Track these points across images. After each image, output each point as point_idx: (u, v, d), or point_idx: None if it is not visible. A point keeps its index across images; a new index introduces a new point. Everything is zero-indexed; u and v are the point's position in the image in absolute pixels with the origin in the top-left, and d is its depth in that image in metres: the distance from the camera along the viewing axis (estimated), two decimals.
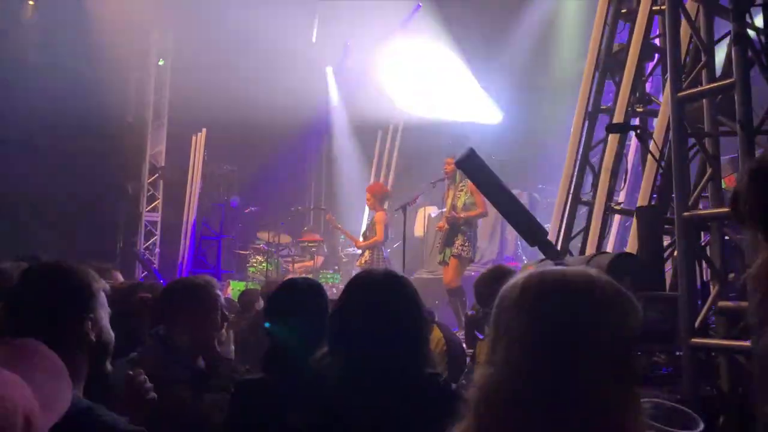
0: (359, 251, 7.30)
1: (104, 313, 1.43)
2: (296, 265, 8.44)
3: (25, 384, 0.78)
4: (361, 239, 7.34)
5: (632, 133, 4.24)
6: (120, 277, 4.05)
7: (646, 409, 0.91)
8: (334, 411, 1.50)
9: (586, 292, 0.91)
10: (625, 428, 0.87)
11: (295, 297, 1.99)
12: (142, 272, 9.54)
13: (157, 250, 10.14)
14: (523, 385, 0.87)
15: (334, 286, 7.99)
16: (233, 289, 7.96)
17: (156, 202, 10.27)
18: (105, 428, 1.29)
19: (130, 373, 1.56)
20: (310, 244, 8.72)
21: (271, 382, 1.78)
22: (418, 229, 9.03)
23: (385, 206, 7.27)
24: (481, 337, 3.98)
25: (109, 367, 1.45)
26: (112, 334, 1.45)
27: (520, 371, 0.88)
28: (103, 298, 1.44)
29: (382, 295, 1.61)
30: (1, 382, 0.76)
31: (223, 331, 2.35)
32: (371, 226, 7.16)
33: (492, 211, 6.31)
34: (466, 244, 6.15)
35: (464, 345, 3.89)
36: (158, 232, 10.17)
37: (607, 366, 0.87)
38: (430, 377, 1.59)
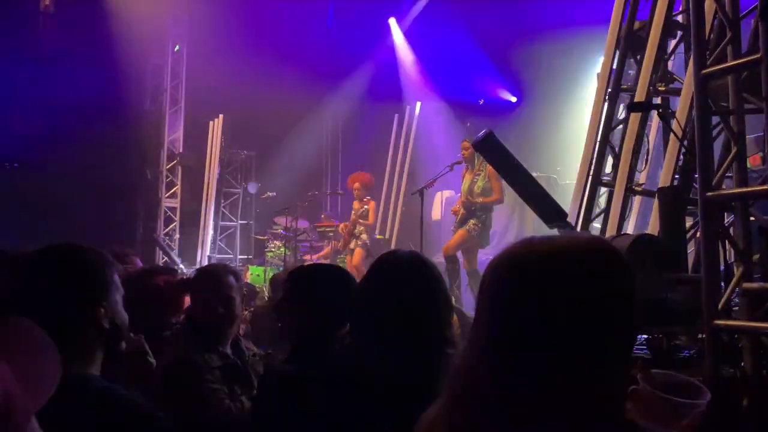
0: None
1: (118, 297, 1.42)
2: (314, 255, 8.50)
3: (3, 363, 0.75)
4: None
5: (654, 113, 4.16)
6: (139, 263, 4.09)
7: (657, 377, 0.88)
8: (355, 392, 1.49)
9: (574, 256, 0.87)
10: (611, 399, 0.85)
11: (317, 282, 1.97)
12: (162, 258, 9.64)
13: (177, 235, 10.23)
14: (505, 355, 0.85)
15: None
16: (252, 273, 8.03)
17: (175, 188, 10.35)
18: (123, 406, 1.29)
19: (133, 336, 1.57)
20: (327, 230, 8.73)
21: (298, 370, 1.78)
22: (436, 213, 9.00)
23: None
24: None
25: (123, 346, 1.45)
26: (126, 316, 1.44)
27: (503, 341, 0.86)
28: (117, 281, 1.43)
29: (407, 275, 1.60)
30: None
31: (246, 312, 2.37)
32: (363, 213, 7.63)
33: (510, 194, 6.28)
34: (478, 225, 6.18)
35: None
36: (177, 218, 10.25)
37: (596, 333, 0.84)
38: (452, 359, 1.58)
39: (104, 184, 8.70)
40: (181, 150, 10.32)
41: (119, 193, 9.15)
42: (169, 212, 10.27)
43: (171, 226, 10.25)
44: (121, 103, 8.91)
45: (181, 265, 8.93)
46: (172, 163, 10.32)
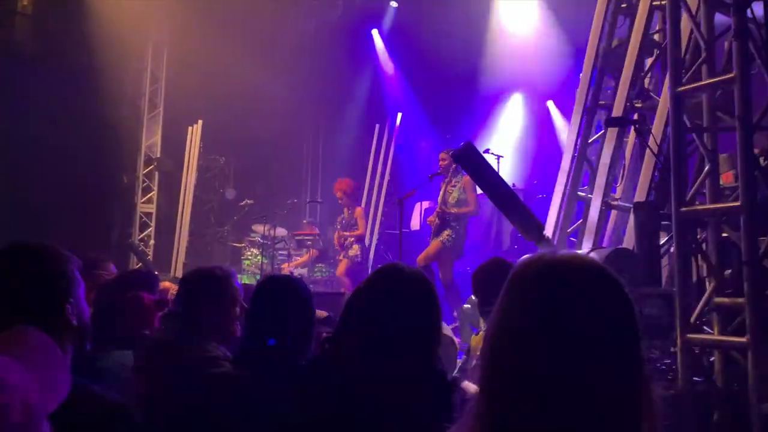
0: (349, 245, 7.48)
1: (81, 292, 1.41)
2: (291, 264, 8.44)
3: (24, 369, 0.77)
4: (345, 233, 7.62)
5: (631, 129, 4.23)
6: (114, 269, 4.02)
7: None
8: (340, 399, 1.48)
9: (601, 277, 0.87)
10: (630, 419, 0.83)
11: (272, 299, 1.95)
12: (137, 264, 9.50)
13: (152, 241, 10.10)
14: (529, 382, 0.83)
15: (328, 278, 8.03)
16: None
17: (151, 194, 10.22)
18: (94, 402, 1.27)
19: None
20: (305, 238, 8.69)
21: (237, 372, 1.78)
22: (415, 223, 9.02)
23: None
24: (474, 330, 3.98)
25: (88, 346, 1.42)
26: (88, 311, 1.42)
27: (526, 362, 0.83)
28: (78, 276, 1.41)
29: (409, 287, 1.60)
30: None
31: None
32: (351, 221, 7.46)
33: (487, 206, 6.32)
34: (453, 236, 6.21)
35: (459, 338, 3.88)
36: (153, 224, 10.13)
37: (624, 358, 0.84)
38: (438, 374, 1.58)
39: (79, 188, 8.55)
40: (158, 155, 10.21)
41: (94, 197, 8.99)
42: (145, 218, 10.13)
43: (147, 232, 10.11)
44: (98, 106, 8.78)
45: (156, 272, 8.79)
46: (149, 168, 10.19)
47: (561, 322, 0.83)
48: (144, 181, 10.13)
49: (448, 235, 6.22)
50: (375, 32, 11.28)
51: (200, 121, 9.81)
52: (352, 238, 7.41)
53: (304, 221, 9.90)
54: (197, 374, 1.86)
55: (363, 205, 9.54)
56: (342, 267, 7.43)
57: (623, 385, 0.83)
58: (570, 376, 0.81)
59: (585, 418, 0.80)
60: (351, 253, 7.35)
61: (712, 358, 2.99)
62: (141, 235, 10.02)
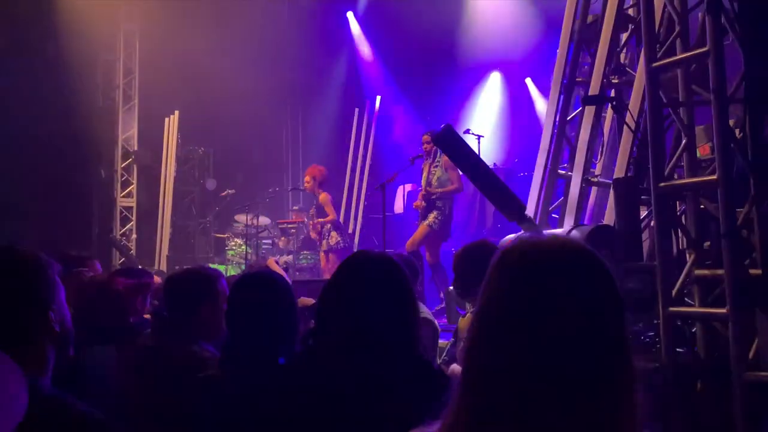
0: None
1: (62, 296, 1.39)
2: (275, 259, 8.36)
3: None
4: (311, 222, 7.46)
5: (609, 105, 4.25)
6: (98, 266, 3.98)
7: None
8: (322, 392, 1.46)
9: (586, 257, 0.88)
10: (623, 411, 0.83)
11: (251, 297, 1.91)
12: (120, 259, 9.41)
13: (134, 236, 9.99)
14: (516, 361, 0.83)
15: (314, 266, 8.00)
16: None
17: (130, 188, 10.09)
18: (71, 414, 1.26)
19: None
20: (289, 226, 8.66)
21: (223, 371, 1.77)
22: (398, 207, 9.02)
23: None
24: (462, 312, 4.00)
25: (71, 351, 1.41)
26: (69, 315, 1.40)
27: (513, 345, 0.83)
28: (58, 281, 1.39)
29: (377, 275, 1.56)
30: None
31: None
32: (319, 208, 7.20)
33: (470, 185, 6.33)
34: (439, 218, 6.21)
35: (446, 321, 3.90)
36: (134, 218, 10.02)
37: (609, 335, 0.85)
38: (420, 361, 1.56)
39: (56, 184, 8.41)
40: (136, 148, 10.06)
41: (72, 193, 8.85)
42: (125, 212, 10.02)
43: (128, 226, 10.00)
44: (71, 99, 8.61)
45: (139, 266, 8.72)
46: (127, 162, 10.05)
47: (546, 304, 0.83)
48: (123, 175, 10.01)
49: (434, 218, 6.23)
50: (350, 14, 11.16)
51: (177, 112, 9.68)
52: (329, 224, 7.16)
53: (294, 208, 9.85)
54: (183, 377, 1.85)
55: (345, 190, 9.51)
56: (323, 262, 7.24)
57: (608, 361, 0.83)
58: (555, 355, 0.82)
59: (572, 395, 0.81)
60: (332, 242, 7.12)
61: (694, 330, 3.04)
62: (122, 230, 9.92)
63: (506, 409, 0.82)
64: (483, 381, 0.85)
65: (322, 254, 7.37)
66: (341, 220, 8.16)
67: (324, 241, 7.23)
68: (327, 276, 7.09)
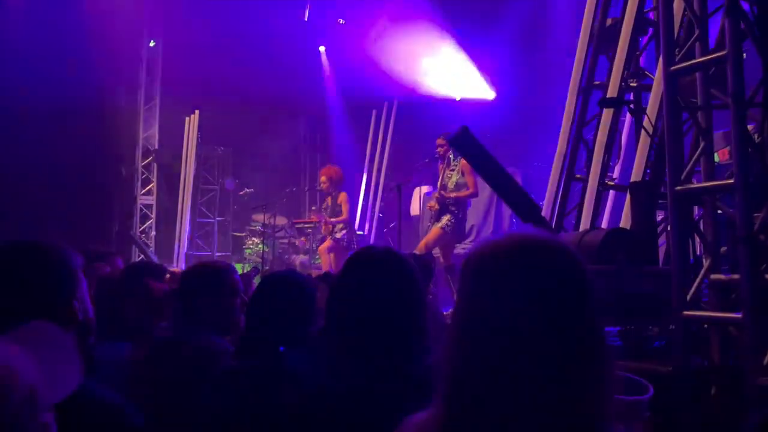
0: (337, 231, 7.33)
1: (84, 288, 1.44)
2: (298, 257, 8.41)
3: (29, 358, 0.82)
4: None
5: (626, 108, 4.23)
6: (120, 263, 4.05)
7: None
8: (325, 394, 1.45)
9: (543, 252, 0.89)
10: (597, 409, 0.85)
11: (273, 296, 1.92)
12: (138, 256, 9.54)
13: (153, 233, 10.13)
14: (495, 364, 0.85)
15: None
16: None
17: (150, 186, 10.23)
18: (96, 403, 1.30)
19: None
20: (306, 226, 8.72)
21: (240, 364, 1.79)
22: (414, 208, 9.03)
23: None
24: None
25: (91, 340, 1.46)
26: (90, 306, 1.45)
27: (489, 347, 0.86)
28: (80, 272, 1.44)
29: (379, 273, 1.52)
30: (4, 353, 0.81)
31: None
32: (336, 208, 7.25)
33: (487, 189, 6.33)
34: (452, 221, 6.20)
35: None
36: (153, 216, 10.16)
37: (583, 338, 0.86)
38: (428, 354, 1.51)
39: (78, 182, 8.56)
40: (156, 147, 10.20)
41: (93, 190, 9.00)
42: (145, 209, 10.16)
43: (147, 224, 10.14)
44: (94, 99, 8.75)
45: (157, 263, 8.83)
46: (148, 160, 10.19)
47: (505, 303, 0.86)
48: (143, 173, 10.15)
49: (447, 221, 6.22)
50: None
51: (197, 112, 9.80)
52: (340, 224, 7.21)
53: (312, 208, 9.92)
54: (196, 370, 1.88)
55: (362, 191, 9.56)
56: (323, 258, 7.29)
57: (575, 352, 0.85)
58: (519, 351, 0.84)
59: (547, 389, 0.83)
60: (338, 235, 7.18)
61: (709, 335, 3.02)
62: (142, 227, 10.06)
63: (481, 402, 0.85)
64: (457, 378, 0.88)
65: (323, 251, 7.36)
66: (356, 221, 8.17)
67: (329, 237, 7.25)
68: (324, 260, 7.17)
